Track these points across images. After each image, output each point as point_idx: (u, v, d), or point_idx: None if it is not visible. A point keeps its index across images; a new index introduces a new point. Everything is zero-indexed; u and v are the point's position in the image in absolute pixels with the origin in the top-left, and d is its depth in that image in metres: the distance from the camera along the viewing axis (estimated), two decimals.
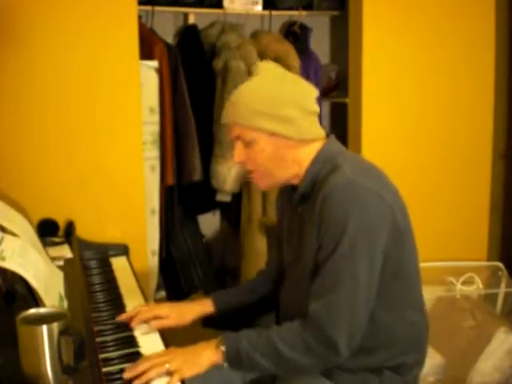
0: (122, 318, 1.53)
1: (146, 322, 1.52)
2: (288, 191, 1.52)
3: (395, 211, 1.36)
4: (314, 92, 1.43)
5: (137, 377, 1.26)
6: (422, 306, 1.50)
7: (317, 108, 1.43)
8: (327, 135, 1.47)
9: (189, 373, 1.30)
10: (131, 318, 1.52)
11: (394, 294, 1.39)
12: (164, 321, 1.53)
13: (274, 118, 1.37)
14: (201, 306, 1.61)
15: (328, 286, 1.31)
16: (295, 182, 1.45)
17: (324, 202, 1.32)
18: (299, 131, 1.39)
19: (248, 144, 1.41)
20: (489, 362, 2.24)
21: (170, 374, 1.29)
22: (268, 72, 1.42)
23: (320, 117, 3.18)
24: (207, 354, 1.34)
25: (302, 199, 1.44)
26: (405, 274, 1.41)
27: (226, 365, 1.34)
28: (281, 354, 1.31)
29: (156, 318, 1.53)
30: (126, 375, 1.26)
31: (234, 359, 1.33)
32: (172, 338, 1.51)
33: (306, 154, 1.42)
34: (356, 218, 1.29)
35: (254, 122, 1.37)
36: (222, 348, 1.34)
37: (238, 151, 1.43)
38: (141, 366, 1.27)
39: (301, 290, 1.41)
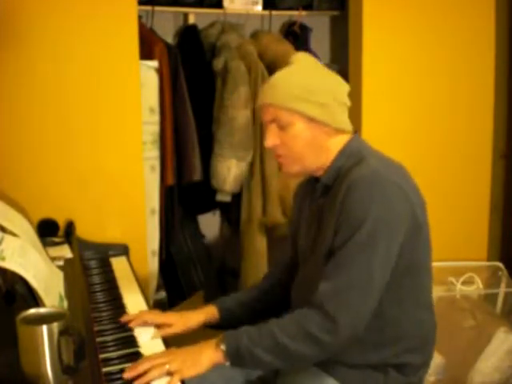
0: (125, 318, 1.53)
1: (147, 322, 1.52)
2: (310, 183, 1.53)
3: (415, 206, 1.37)
4: (346, 86, 1.47)
5: (137, 377, 1.25)
6: (431, 306, 1.50)
7: (348, 101, 1.45)
8: (354, 131, 1.49)
9: (189, 373, 1.30)
10: (132, 320, 1.52)
11: (405, 289, 1.39)
12: (169, 329, 1.52)
13: (311, 102, 1.38)
14: (205, 315, 1.59)
15: (340, 270, 1.31)
16: (319, 173, 1.46)
17: (348, 190, 1.33)
18: (334, 119, 1.41)
19: (283, 127, 1.40)
20: (489, 362, 2.24)
21: (170, 374, 1.28)
22: (304, 62, 1.45)
23: None
24: (208, 354, 1.33)
25: (324, 191, 1.45)
26: (417, 270, 1.41)
27: (227, 364, 1.34)
28: (281, 346, 1.30)
29: (160, 325, 1.52)
30: (126, 375, 1.26)
31: (235, 357, 1.33)
32: (172, 338, 1.51)
33: (336, 144, 1.44)
34: (378, 209, 1.30)
35: (293, 104, 1.38)
36: (223, 347, 1.33)
37: (272, 134, 1.42)
38: (141, 367, 1.27)
39: (316, 279, 1.39)
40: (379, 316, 1.35)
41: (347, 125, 1.45)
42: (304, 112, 1.38)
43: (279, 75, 1.43)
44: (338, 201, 1.35)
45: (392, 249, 1.32)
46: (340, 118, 1.43)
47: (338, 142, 1.44)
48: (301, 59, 1.46)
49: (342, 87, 1.45)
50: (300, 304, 1.45)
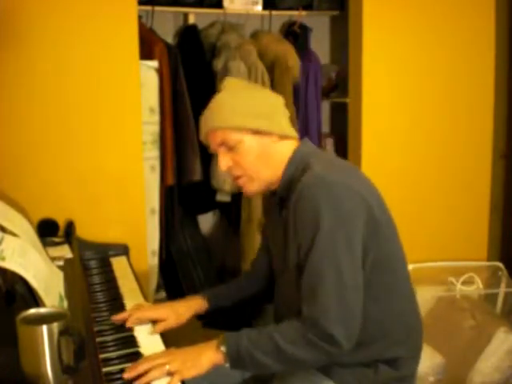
0: (118, 318, 1.54)
1: (142, 321, 1.52)
2: (270, 197, 1.55)
3: (369, 202, 1.37)
4: (280, 97, 1.51)
5: (137, 377, 1.26)
6: (412, 297, 1.50)
7: (288, 112, 1.49)
8: (300, 138, 1.51)
9: (189, 374, 1.30)
10: (126, 319, 1.53)
11: (379, 284, 1.40)
12: (166, 323, 1.53)
13: (254, 115, 1.42)
14: (195, 304, 1.62)
15: (313, 286, 1.32)
16: (275, 186, 1.48)
17: (297, 200, 1.35)
18: (279, 126, 1.45)
19: (233, 148, 1.43)
20: (489, 362, 2.24)
21: (170, 374, 1.28)
22: (235, 84, 1.51)
23: (320, 116, 3.19)
24: (208, 355, 1.33)
25: (281, 203, 1.47)
26: (387, 263, 1.42)
27: (227, 365, 1.34)
28: (282, 351, 1.31)
29: (155, 320, 1.53)
30: (127, 375, 1.26)
31: (235, 359, 1.33)
32: (172, 338, 1.52)
33: (285, 152, 1.46)
34: (328, 212, 1.31)
35: (237, 121, 1.41)
36: (223, 349, 1.33)
37: (224, 158, 1.45)
38: (141, 367, 1.27)
39: (291, 294, 1.42)
40: (362, 315, 1.35)
41: (291, 131, 1.48)
42: (249, 126, 1.41)
43: (216, 101, 1.46)
44: (291, 213, 1.37)
45: (354, 244, 1.33)
46: (285, 125, 1.46)
47: (286, 150, 1.46)
48: (231, 83, 1.50)
49: (277, 99, 1.50)
50: (282, 311, 1.51)
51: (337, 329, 1.29)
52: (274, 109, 1.46)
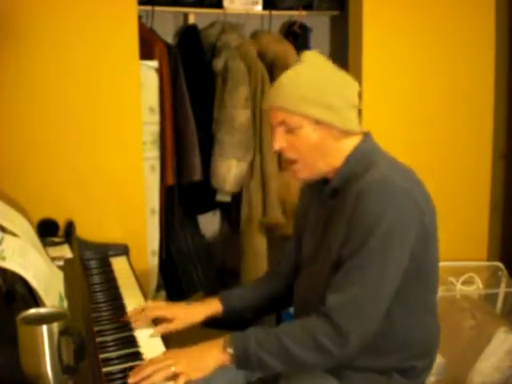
0: (128, 315, 1.53)
1: (152, 319, 1.51)
2: (318, 184, 1.51)
3: (425, 213, 1.36)
4: (356, 85, 1.44)
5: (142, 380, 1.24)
6: (436, 310, 1.49)
7: (358, 102, 1.43)
8: (364, 133, 1.47)
9: (195, 375, 1.28)
10: (137, 317, 1.52)
11: (413, 296, 1.38)
12: (170, 325, 1.51)
13: (319, 104, 1.37)
14: (208, 307, 1.59)
15: (353, 280, 1.30)
16: (330, 175, 1.44)
17: (360, 195, 1.32)
18: (342, 121, 1.39)
19: (292, 130, 1.39)
20: (489, 362, 2.24)
21: (175, 376, 1.27)
22: (314, 60, 1.43)
23: None
24: (213, 357, 1.32)
25: (332, 194, 1.43)
26: (426, 277, 1.41)
27: (233, 367, 1.32)
28: (290, 353, 1.29)
29: (162, 319, 1.52)
30: (131, 380, 1.24)
31: (242, 361, 1.31)
32: (172, 337, 1.51)
33: (345, 147, 1.42)
34: (389, 216, 1.29)
35: (301, 107, 1.37)
36: (230, 350, 1.31)
37: (279, 137, 1.41)
38: (145, 370, 1.25)
39: (320, 283, 1.38)
40: (388, 322, 1.34)
41: (356, 126, 1.43)
42: (312, 115, 1.37)
43: (287, 75, 1.41)
44: (347, 207, 1.34)
45: (403, 256, 1.31)
46: (349, 120, 1.41)
47: (347, 145, 1.42)
48: (311, 58, 1.43)
49: (352, 88, 1.43)
50: (305, 302, 1.46)
51: (355, 328, 1.27)
52: (343, 100, 1.39)
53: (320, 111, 1.37)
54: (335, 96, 1.38)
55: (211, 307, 1.59)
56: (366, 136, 1.46)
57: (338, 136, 1.40)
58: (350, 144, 1.43)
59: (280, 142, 1.41)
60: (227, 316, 1.60)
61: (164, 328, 1.50)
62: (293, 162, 1.43)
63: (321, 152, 1.40)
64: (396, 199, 1.31)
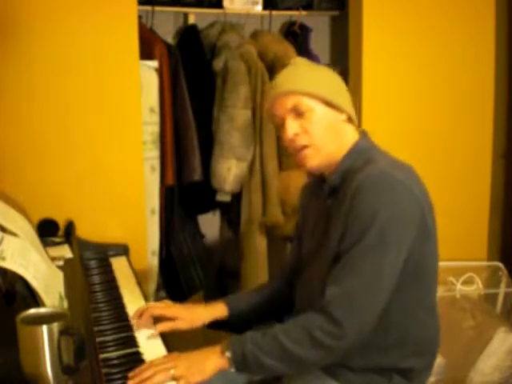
0: (134, 316, 1.53)
1: (154, 319, 1.51)
2: (317, 184, 1.51)
3: (424, 208, 1.36)
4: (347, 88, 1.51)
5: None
6: (436, 309, 1.49)
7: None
8: (361, 131, 1.49)
9: (194, 379, 1.28)
10: (141, 314, 1.52)
11: (411, 293, 1.38)
12: (174, 323, 1.50)
13: (328, 88, 1.41)
14: (214, 310, 1.59)
15: (349, 272, 1.30)
16: (326, 172, 1.44)
17: (357, 190, 1.32)
18: (349, 106, 1.45)
19: (303, 114, 1.40)
20: (489, 362, 2.24)
21: (174, 379, 1.27)
22: (306, 61, 1.51)
23: None
24: (213, 361, 1.32)
25: (331, 192, 1.44)
26: (424, 274, 1.40)
27: (232, 370, 1.32)
28: (287, 351, 1.29)
29: (166, 318, 1.51)
30: (131, 382, 1.24)
31: (240, 364, 1.32)
32: (172, 338, 1.51)
33: (351, 136, 1.45)
34: (387, 210, 1.29)
35: (311, 88, 1.40)
36: (228, 354, 1.31)
37: (292, 125, 1.41)
38: (145, 372, 1.25)
39: (321, 281, 1.38)
40: (385, 319, 1.33)
41: (355, 117, 1.47)
42: (322, 94, 1.40)
43: (290, 69, 1.45)
44: (345, 202, 1.34)
45: (401, 251, 1.31)
46: (350, 108, 1.46)
47: (350, 134, 1.45)
48: (301, 60, 1.51)
49: (344, 84, 1.49)
50: (303, 305, 1.45)
51: (351, 320, 1.27)
52: (343, 91, 1.46)
53: (330, 93, 1.41)
54: (337, 84, 1.46)
55: (217, 311, 1.59)
56: (364, 134, 1.48)
57: (345, 120, 1.44)
58: (353, 134, 1.45)
59: (293, 128, 1.41)
60: (233, 320, 1.60)
61: (166, 325, 1.49)
62: (303, 148, 1.41)
63: (331, 134, 1.42)
64: (394, 194, 1.31)
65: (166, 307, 1.56)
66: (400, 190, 1.32)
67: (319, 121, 1.40)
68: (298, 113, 1.40)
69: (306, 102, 1.39)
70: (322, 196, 1.47)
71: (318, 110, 1.40)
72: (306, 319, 1.32)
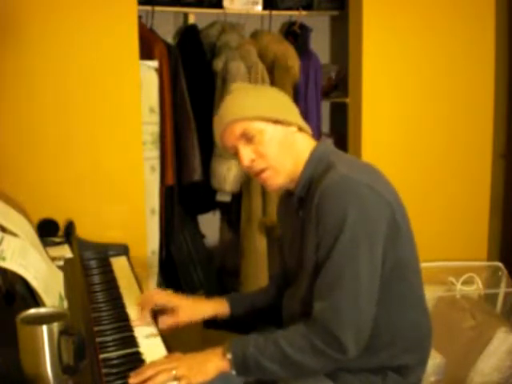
0: (139, 305, 1.54)
1: (153, 316, 1.52)
2: (286, 198, 1.53)
3: (393, 206, 1.35)
4: (288, 97, 1.51)
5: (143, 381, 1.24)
6: (424, 305, 1.49)
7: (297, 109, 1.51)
8: (319, 138, 1.51)
9: (196, 380, 1.28)
10: (144, 303, 1.53)
11: (393, 292, 1.38)
12: (174, 318, 1.51)
13: (270, 107, 1.41)
14: (216, 306, 1.59)
15: (330, 284, 1.30)
16: (293, 185, 1.45)
17: (321, 198, 1.32)
18: (296, 118, 1.45)
19: (254, 138, 1.39)
20: (489, 362, 2.24)
21: (176, 380, 1.27)
22: (243, 85, 1.55)
23: (320, 116, 3.19)
24: (214, 363, 1.32)
25: (300, 203, 1.44)
26: (403, 272, 1.40)
27: (233, 372, 1.33)
28: (289, 358, 1.30)
29: (167, 309, 1.52)
30: (132, 381, 1.24)
31: (241, 366, 1.32)
32: (172, 337, 1.51)
33: (306, 144, 1.45)
34: (354, 213, 1.29)
35: (256, 112, 1.40)
36: (229, 356, 1.32)
37: (245, 152, 1.40)
38: (147, 372, 1.25)
39: (304, 294, 1.40)
40: (373, 321, 1.33)
41: (306, 126, 1.47)
42: (268, 115, 1.40)
43: (229, 99, 1.45)
44: (312, 211, 1.35)
45: (376, 251, 1.31)
46: (298, 118, 1.46)
47: (306, 143, 1.45)
48: (239, 86, 1.52)
49: (285, 97, 1.50)
50: (291, 312, 1.47)
51: (346, 332, 1.27)
52: (286, 104, 1.47)
53: (274, 111, 1.41)
54: (278, 101, 1.46)
55: (219, 306, 1.59)
56: (322, 140, 1.49)
57: (295, 131, 1.44)
58: (308, 143, 1.46)
59: (248, 155, 1.40)
60: (234, 319, 1.60)
61: (167, 322, 1.50)
62: (261, 171, 1.42)
63: (286, 150, 1.42)
64: (357, 196, 1.31)
65: (169, 296, 1.57)
66: (363, 192, 1.32)
67: (270, 141, 1.40)
68: (248, 138, 1.40)
69: (254, 126, 1.39)
70: (293, 208, 1.48)
71: (267, 131, 1.40)
72: (307, 328, 1.32)
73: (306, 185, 1.41)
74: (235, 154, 1.44)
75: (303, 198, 1.43)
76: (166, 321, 1.50)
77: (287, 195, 1.52)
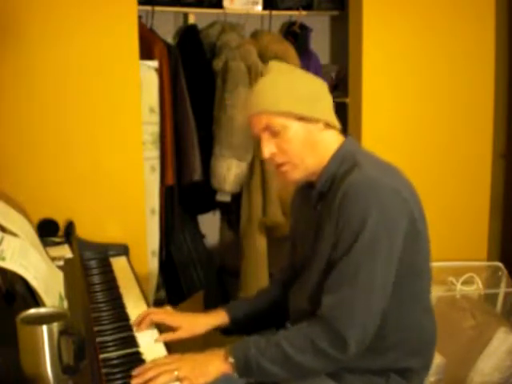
0: (135, 323, 1.52)
1: (156, 325, 1.51)
2: (305, 190, 1.51)
3: (414, 211, 1.35)
4: (324, 83, 1.47)
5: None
6: (431, 309, 1.49)
7: (331, 98, 1.46)
8: (345, 135, 1.48)
9: (197, 381, 1.28)
10: (141, 320, 1.51)
11: (405, 294, 1.38)
12: (173, 334, 1.50)
13: (298, 101, 1.38)
14: (215, 318, 1.58)
15: (344, 281, 1.30)
16: (314, 178, 1.44)
17: (344, 197, 1.32)
18: (323, 113, 1.41)
19: (277, 133, 1.39)
20: (489, 362, 2.24)
21: (178, 380, 1.27)
22: (279, 67, 1.46)
23: None
24: (216, 365, 1.32)
25: (320, 197, 1.43)
26: (417, 275, 1.40)
27: (235, 375, 1.32)
28: (290, 359, 1.30)
29: (167, 327, 1.51)
30: (134, 382, 1.24)
31: (243, 369, 1.32)
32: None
33: (332, 142, 1.43)
34: (375, 214, 1.28)
35: (281, 106, 1.37)
36: (231, 359, 1.32)
37: (267, 144, 1.40)
38: (149, 372, 1.25)
39: (313, 289, 1.39)
40: (382, 322, 1.33)
41: (335, 120, 1.45)
42: (294, 111, 1.38)
43: (260, 84, 1.42)
44: (334, 209, 1.34)
45: (393, 254, 1.31)
46: (327, 112, 1.43)
47: (332, 140, 1.43)
48: (275, 66, 1.47)
49: (322, 84, 1.46)
50: (299, 308, 1.45)
51: (352, 331, 1.27)
52: (317, 94, 1.42)
53: (300, 106, 1.38)
54: (308, 90, 1.41)
55: (217, 319, 1.58)
56: (348, 138, 1.48)
57: (322, 128, 1.42)
58: (334, 139, 1.44)
59: (269, 148, 1.40)
60: (233, 327, 1.59)
61: (167, 336, 1.48)
62: (281, 165, 1.42)
63: (308, 148, 1.40)
64: (381, 198, 1.30)
65: (167, 314, 1.56)
66: (387, 194, 1.32)
67: (293, 137, 1.39)
68: (272, 132, 1.39)
69: (278, 122, 1.38)
70: (311, 202, 1.47)
71: (291, 127, 1.38)
72: (309, 327, 1.32)
73: (328, 180, 1.40)
74: (258, 141, 1.43)
75: (324, 193, 1.42)
76: (166, 338, 1.48)
77: (306, 187, 1.50)
